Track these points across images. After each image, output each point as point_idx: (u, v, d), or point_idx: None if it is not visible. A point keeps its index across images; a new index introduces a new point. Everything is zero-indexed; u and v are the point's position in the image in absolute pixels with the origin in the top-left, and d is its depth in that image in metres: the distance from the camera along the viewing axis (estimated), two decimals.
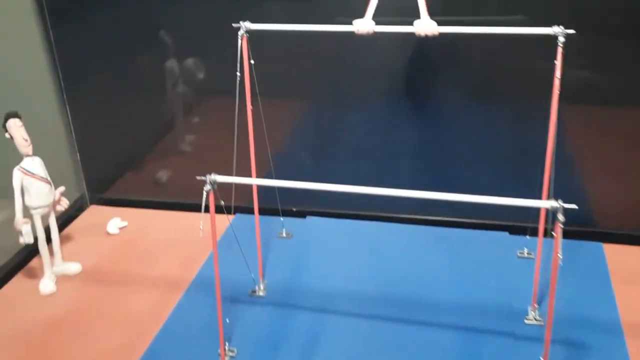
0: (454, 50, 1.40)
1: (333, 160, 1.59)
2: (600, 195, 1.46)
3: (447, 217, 1.53)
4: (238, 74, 1.14)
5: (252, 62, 1.15)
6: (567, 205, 0.85)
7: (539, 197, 1.12)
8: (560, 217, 0.86)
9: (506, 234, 1.47)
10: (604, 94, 1.38)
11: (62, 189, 1.38)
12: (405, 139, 1.52)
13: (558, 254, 0.88)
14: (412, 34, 1.04)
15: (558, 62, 1.02)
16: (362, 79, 1.49)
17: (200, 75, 1.59)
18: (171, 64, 1.58)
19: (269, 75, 1.19)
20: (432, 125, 1.50)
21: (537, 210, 1.17)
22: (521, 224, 1.39)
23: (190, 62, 1.59)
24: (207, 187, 0.98)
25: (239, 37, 1.12)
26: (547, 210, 0.88)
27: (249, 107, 1.20)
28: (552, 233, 0.88)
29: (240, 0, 1.46)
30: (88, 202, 1.74)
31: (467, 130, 1.47)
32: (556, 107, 1.05)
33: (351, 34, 1.08)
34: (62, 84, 1.63)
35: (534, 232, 1.24)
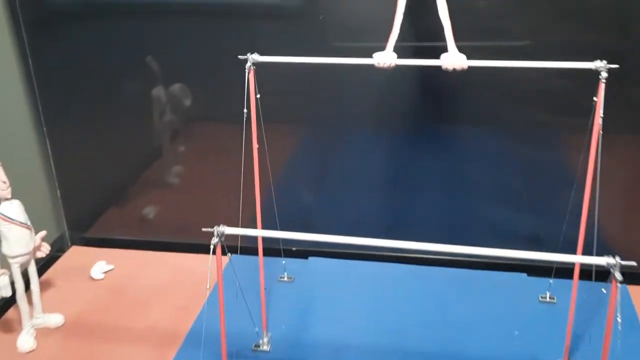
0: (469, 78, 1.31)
1: (338, 193, 1.48)
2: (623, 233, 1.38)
3: (459, 257, 1.44)
4: (245, 110, 1.03)
5: (259, 95, 1.06)
6: (625, 263, 0.76)
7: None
8: (618, 275, 0.77)
9: (524, 275, 1.38)
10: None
11: (42, 233, 1.25)
12: (416, 171, 1.42)
13: (617, 318, 0.79)
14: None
15: (599, 100, 0.93)
16: (369, 105, 1.40)
17: (187, 102, 1.49)
18: (158, 91, 1.48)
19: (268, 102, 1.09)
20: (446, 157, 1.40)
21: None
22: (540, 264, 1.30)
23: (176, 88, 1.48)
24: (215, 239, 0.87)
25: (246, 69, 1.02)
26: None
27: (255, 145, 1.09)
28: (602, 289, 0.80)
29: (227, 21, 1.36)
30: (69, 242, 1.61)
31: (484, 162, 1.38)
32: (596, 150, 0.96)
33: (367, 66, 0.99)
34: (42, 116, 1.50)
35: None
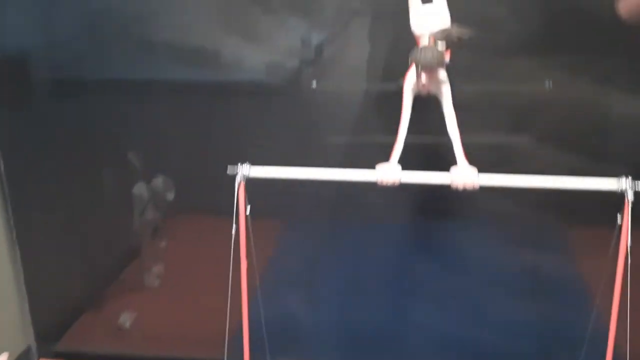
0: None
1: (330, 298, 1.38)
2: None
3: None
4: (234, 225, 0.94)
5: (249, 212, 0.97)
6: None
7: None
8: None
9: None
10: None
11: (5, 356, 1.12)
12: (417, 278, 1.32)
13: None
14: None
15: (625, 222, 0.85)
16: (364, 202, 1.29)
17: (170, 196, 1.40)
18: (139, 189, 1.39)
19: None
20: (448, 263, 1.31)
21: None
22: None
23: (159, 181, 1.40)
24: None
25: (236, 184, 0.94)
26: None
27: (244, 263, 1.00)
28: None
29: (210, 102, 1.29)
30: (36, 355, 1.47)
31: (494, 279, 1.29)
32: (621, 284, 0.87)
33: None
34: (12, 219, 1.40)
35: None
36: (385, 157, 0.91)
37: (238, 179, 0.93)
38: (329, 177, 0.93)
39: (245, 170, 0.93)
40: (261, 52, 1.24)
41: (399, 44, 1.00)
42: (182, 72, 1.30)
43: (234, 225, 0.95)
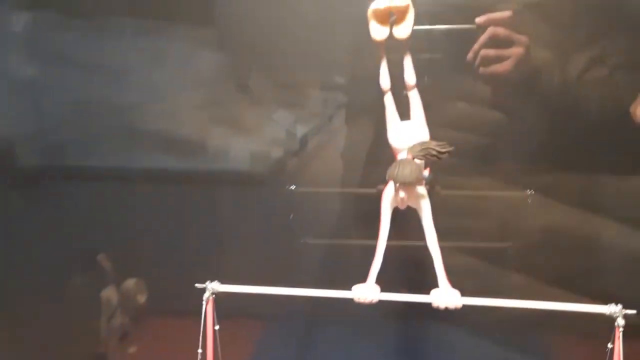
0: None
1: None
2: None
3: None
4: (200, 350, 0.87)
5: (217, 327, 0.90)
6: None
7: None
8: None
9: None
10: None
11: None
12: None
13: None
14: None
15: (617, 348, 0.80)
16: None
17: (142, 299, 1.35)
18: (108, 293, 1.33)
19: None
20: None
21: None
22: None
23: (130, 284, 1.35)
24: None
25: (204, 300, 0.88)
26: None
27: None
28: None
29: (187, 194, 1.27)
30: None
31: None
32: None
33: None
34: None
35: None
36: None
37: (206, 295, 0.88)
38: (304, 294, 0.88)
39: (215, 287, 0.88)
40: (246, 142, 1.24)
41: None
42: (161, 162, 1.29)
43: (200, 345, 0.88)
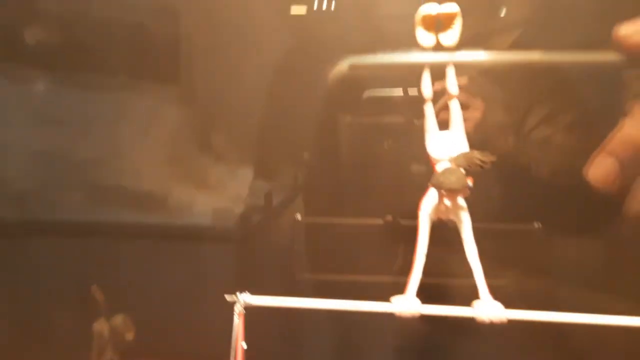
0: None
1: None
2: None
3: None
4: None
5: (245, 346, 0.85)
6: None
7: None
8: None
9: None
10: None
11: None
12: None
13: None
14: None
15: None
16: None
17: (129, 336, 1.30)
18: (100, 325, 1.28)
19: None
20: None
21: None
22: None
23: (118, 320, 1.29)
24: None
25: (235, 314, 0.82)
26: None
27: None
28: None
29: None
30: None
31: None
32: None
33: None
34: None
35: None
36: None
37: (237, 308, 0.82)
38: (342, 307, 0.80)
39: (247, 299, 0.82)
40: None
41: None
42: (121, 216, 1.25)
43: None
